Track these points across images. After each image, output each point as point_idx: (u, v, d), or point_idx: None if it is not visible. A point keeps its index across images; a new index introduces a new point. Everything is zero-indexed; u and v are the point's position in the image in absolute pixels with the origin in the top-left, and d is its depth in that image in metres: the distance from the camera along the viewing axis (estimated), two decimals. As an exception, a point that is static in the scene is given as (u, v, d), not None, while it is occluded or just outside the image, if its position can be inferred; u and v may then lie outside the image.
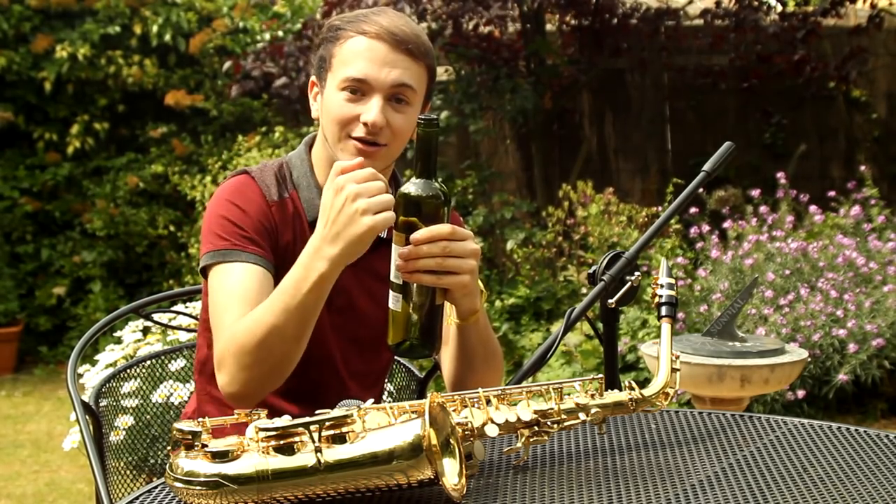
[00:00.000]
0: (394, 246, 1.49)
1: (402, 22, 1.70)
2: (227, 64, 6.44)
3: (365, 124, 1.66)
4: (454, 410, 1.39)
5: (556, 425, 1.43)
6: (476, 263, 1.54)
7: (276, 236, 1.72)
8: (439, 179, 1.49)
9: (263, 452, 1.24)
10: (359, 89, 1.67)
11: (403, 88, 1.68)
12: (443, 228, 1.48)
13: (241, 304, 1.62)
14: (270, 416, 1.31)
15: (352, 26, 1.69)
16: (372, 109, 1.66)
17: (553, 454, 1.49)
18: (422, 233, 1.47)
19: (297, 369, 1.67)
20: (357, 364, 1.82)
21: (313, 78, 1.77)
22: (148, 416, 2.46)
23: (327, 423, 1.24)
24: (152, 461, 2.42)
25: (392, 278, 1.50)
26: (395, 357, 2.09)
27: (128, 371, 2.12)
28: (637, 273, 1.72)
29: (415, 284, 1.49)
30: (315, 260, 1.52)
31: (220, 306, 1.65)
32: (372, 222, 1.48)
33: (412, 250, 1.47)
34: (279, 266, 1.68)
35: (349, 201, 1.48)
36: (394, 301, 1.50)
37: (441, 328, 1.54)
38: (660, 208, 5.65)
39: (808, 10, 6.29)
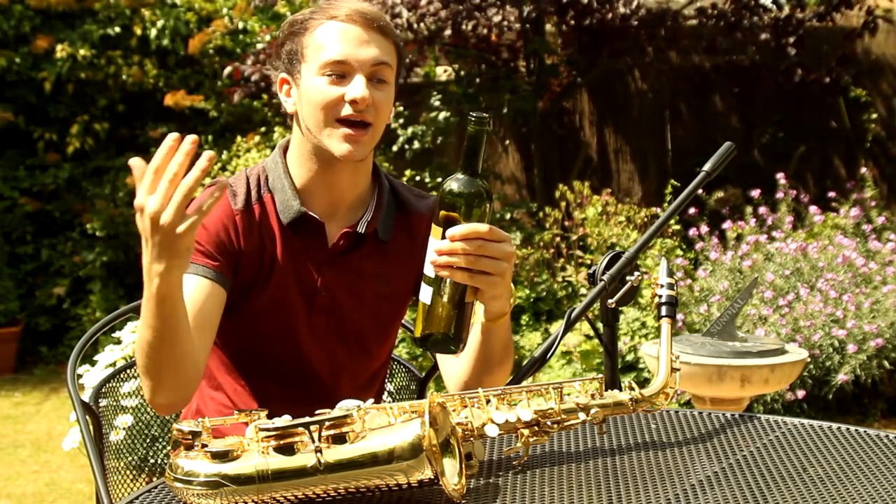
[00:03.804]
0: (431, 238, 1.49)
1: (366, 4, 1.73)
2: (228, 69, 6.44)
3: (353, 102, 1.66)
4: (454, 410, 1.39)
5: (556, 425, 1.43)
6: (510, 266, 1.53)
7: (237, 245, 1.72)
8: (483, 178, 1.49)
9: (263, 452, 1.24)
10: (340, 71, 1.68)
11: (382, 66, 1.70)
12: (481, 227, 1.47)
13: None
14: (269, 416, 1.31)
15: (318, 15, 1.71)
16: (357, 86, 1.67)
17: (553, 454, 1.49)
18: (458, 229, 1.47)
19: (270, 372, 1.65)
20: (346, 363, 1.82)
21: (283, 76, 1.77)
22: (148, 416, 2.45)
23: (327, 423, 1.24)
24: (152, 461, 2.42)
25: (425, 271, 1.50)
26: (394, 356, 2.09)
27: (127, 371, 2.13)
28: (637, 273, 1.72)
29: (447, 280, 1.48)
30: (150, 279, 1.44)
31: None
32: (179, 236, 1.38)
33: (447, 246, 1.47)
34: (245, 270, 1.71)
35: (153, 221, 1.37)
36: (425, 293, 1.50)
37: (468, 326, 1.53)
38: (659, 209, 5.65)
39: (805, 14, 6.29)
